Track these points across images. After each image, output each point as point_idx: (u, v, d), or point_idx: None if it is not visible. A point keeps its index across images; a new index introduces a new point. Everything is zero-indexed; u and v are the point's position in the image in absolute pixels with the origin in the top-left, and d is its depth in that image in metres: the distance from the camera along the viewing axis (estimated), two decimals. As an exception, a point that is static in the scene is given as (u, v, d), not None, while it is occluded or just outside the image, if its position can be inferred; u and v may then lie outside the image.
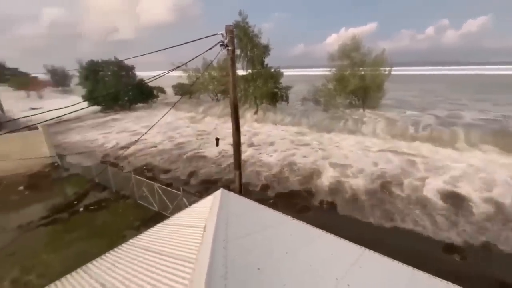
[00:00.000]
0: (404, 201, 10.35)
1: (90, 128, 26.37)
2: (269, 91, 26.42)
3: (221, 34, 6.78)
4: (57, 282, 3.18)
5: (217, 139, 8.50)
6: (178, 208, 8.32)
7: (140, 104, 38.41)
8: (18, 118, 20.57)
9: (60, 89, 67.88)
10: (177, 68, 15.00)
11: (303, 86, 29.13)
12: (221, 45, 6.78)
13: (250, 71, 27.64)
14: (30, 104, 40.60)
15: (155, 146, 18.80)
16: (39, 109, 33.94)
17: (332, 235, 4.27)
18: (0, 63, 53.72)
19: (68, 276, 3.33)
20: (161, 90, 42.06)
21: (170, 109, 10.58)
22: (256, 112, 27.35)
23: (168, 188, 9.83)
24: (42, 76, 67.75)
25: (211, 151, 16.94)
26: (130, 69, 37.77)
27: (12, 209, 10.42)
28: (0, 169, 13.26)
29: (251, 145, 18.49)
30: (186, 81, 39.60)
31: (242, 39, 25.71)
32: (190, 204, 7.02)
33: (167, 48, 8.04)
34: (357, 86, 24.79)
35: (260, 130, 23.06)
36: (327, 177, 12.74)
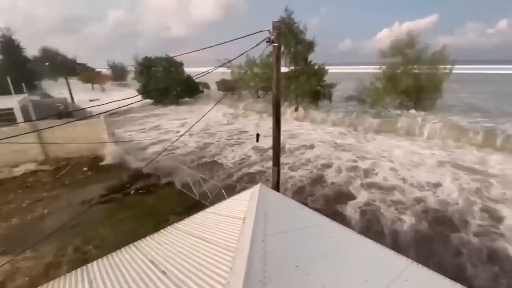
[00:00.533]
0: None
1: (144, 119, 28.85)
2: (311, 88, 25.79)
3: (268, 30, 6.83)
4: (113, 254, 3.57)
5: (258, 135, 8.61)
6: (217, 199, 8.66)
7: (186, 99, 40.65)
8: (84, 108, 23.43)
9: (118, 83, 75.33)
10: (223, 65, 15.53)
11: (348, 84, 27.70)
12: (267, 42, 6.82)
13: (292, 68, 27.29)
14: (92, 96, 45.86)
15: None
16: (95, 100, 38.24)
17: (375, 243, 4.03)
18: (72, 59, 61.46)
19: (122, 249, 3.72)
20: (206, 86, 43.98)
21: (216, 103, 11.07)
22: (296, 110, 26.94)
23: (209, 179, 10.31)
24: (105, 71, 75.84)
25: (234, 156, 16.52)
26: (179, 65, 40.09)
27: (77, 187, 11.97)
28: (69, 151, 15.38)
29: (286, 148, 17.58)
30: (229, 78, 40.75)
31: (286, 35, 25.47)
32: (228, 197, 7.27)
33: (214, 46, 8.38)
34: (409, 86, 22.77)
35: (299, 131, 22.28)
36: (360, 200, 10.64)
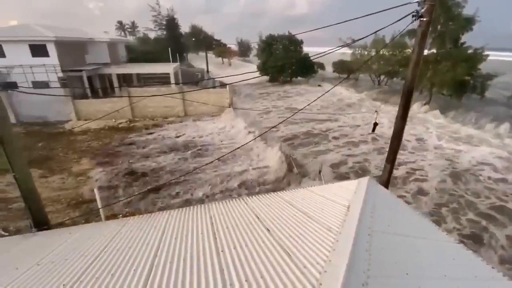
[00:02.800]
0: None
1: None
2: (456, 78, 20.43)
3: (417, 2, 5.72)
4: (227, 201, 4.22)
5: (375, 124, 7.76)
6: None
7: (299, 78, 40.83)
8: (215, 78, 27.44)
9: (242, 59, 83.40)
10: (348, 45, 14.39)
11: (518, 77, 20.35)
12: (413, 16, 5.76)
13: (434, 51, 22.28)
14: (223, 69, 52.82)
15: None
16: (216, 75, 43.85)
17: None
18: (211, 36, 72.21)
19: (230, 200, 4.34)
20: (321, 66, 42.58)
21: (335, 86, 10.59)
22: (428, 103, 22.35)
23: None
24: (233, 47, 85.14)
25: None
26: (299, 43, 40.12)
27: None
28: (202, 110, 19.23)
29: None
30: (349, 59, 37.75)
31: (436, 9, 20.68)
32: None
33: (341, 23, 7.76)
34: None
35: (424, 135, 17.50)
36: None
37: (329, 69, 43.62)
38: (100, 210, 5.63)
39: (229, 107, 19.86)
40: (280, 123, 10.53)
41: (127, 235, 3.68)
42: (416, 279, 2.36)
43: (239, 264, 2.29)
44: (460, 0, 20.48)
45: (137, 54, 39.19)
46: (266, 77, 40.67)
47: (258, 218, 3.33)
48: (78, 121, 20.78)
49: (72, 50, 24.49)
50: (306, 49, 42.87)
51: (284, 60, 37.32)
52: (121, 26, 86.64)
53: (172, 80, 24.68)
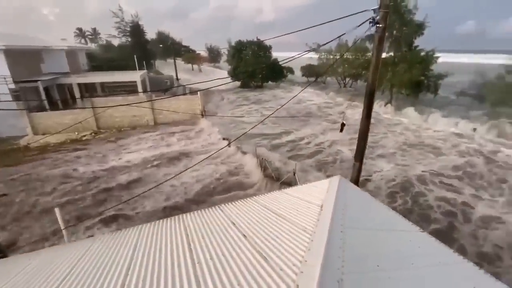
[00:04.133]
0: None
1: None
2: (412, 79, 22.25)
3: (373, 10, 6.14)
4: (202, 210, 4.12)
5: (343, 124, 8.12)
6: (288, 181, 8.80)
7: (270, 83, 41.56)
8: (185, 85, 26.90)
9: (213, 65, 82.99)
10: (314, 50, 15.00)
11: (465, 76, 22.64)
12: (370, 22, 6.17)
13: (391, 54, 24.04)
14: (193, 76, 52.09)
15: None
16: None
17: (477, 268, 3.34)
18: (179, 42, 71.04)
19: (206, 209, 4.25)
20: (290, 71, 43.77)
21: (303, 89, 10.89)
22: (390, 103, 23.97)
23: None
24: (203, 53, 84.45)
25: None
26: (268, 49, 40.93)
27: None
28: (173, 117, 18.76)
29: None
30: (316, 63, 39.31)
31: (390, 15, 22.38)
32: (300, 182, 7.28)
33: (307, 28, 8.07)
34: None
35: (388, 128, 19.72)
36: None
37: (298, 73, 45.07)
38: (63, 231, 5.19)
39: (202, 114, 19.57)
40: (251, 128, 10.60)
41: (95, 256, 3.43)
42: (386, 271, 2.48)
43: (216, 274, 2.24)
44: (411, 7, 22.45)
45: (100, 62, 37.24)
46: (237, 83, 40.87)
47: (234, 224, 3.29)
48: (36, 136, 19.10)
49: (25, 59, 22.56)
50: (275, 54, 43.89)
51: (254, 66, 37.82)
52: (81, 33, 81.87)
53: (140, 88, 23.76)
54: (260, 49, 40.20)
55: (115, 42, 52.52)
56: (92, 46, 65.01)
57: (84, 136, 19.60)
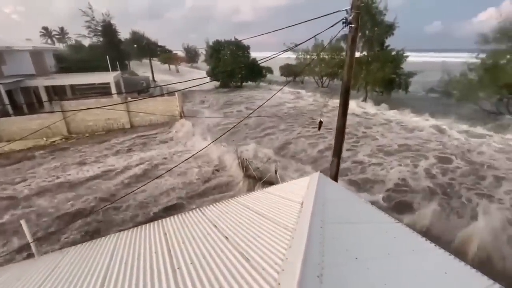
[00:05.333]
0: None
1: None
2: (385, 77, 23.33)
3: (345, 10, 6.33)
4: (182, 214, 4.03)
5: (320, 122, 8.31)
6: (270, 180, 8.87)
7: (249, 83, 41.56)
8: (162, 85, 26.22)
9: (190, 65, 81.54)
10: (290, 49, 15.23)
11: (432, 74, 24.03)
12: (343, 23, 6.35)
13: (365, 53, 25.00)
14: (170, 76, 50.83)
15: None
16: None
17: (448, 254, 3.56)
18: (154, 42, 69.01)
19: (187, 213, 4.17)
20: (269, 70, 44.06)
21: (282, 88, 10.99)
22: (365, 100, 24.92)
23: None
24: (180, 53, 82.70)
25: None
26: (246, 49, 40.89)
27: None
28: (151, 119, 18.14)
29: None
30: (294, 63, 39.89)
31: (362, 17, 23.25)
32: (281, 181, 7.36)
33: (283, 29, 8.16)
34: (517, 79, 18.49)
35: (363, 123, 20.66)
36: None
37: (277, 73, 45.49)
38: (32, 244, 4.84)
39: (180, 116, 19.11)
40: (230, 129, 10.54)
41: (68, 268, 3.24)
42: (364, 262, 2.57)
43: (197, 278, 2.20)
44: (381, 8, 23.49)
45: (69, 63, 35.17)
46: (217, 83, 40.48)
47: (216, 227, 3.26)
48: (-2, 143, 17.68)
49: (-17, 60, 20.82)
50: (253, 54, 44.01)
51: (233, 65, 37.65)
52: (47, 32, 77.01)
53: (114, 90, 22.75)
54: (239, 49, 40.06)
55: (86, 42, 49.93)
56: (60, 46, 61.36)
57: (54, 141, 18.47)
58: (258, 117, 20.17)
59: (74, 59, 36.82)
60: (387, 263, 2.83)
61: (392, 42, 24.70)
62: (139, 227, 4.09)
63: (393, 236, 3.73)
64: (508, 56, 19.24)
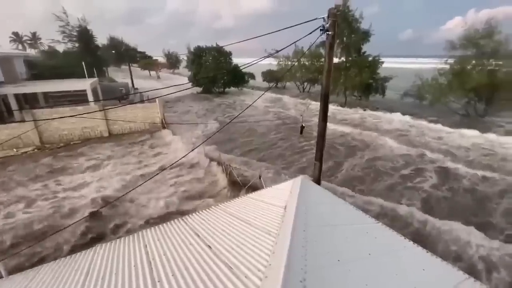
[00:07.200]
0: None
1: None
2: (362, 82, 24.25)
3: (323, 18, 6.53)
4: (164, 224, 3.92)
5: (302, 127, 8.45)
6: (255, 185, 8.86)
7: (232, 88, 41.55)
8: (142, 92, 25.59)
9: (172, 71, 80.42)
10: (271, 55, 15.44)
11: (406, 78, 25.27)
12: (321, 30, 6.54)
13: (343, 59, 25.89)
14: (151, 83, 49.78)
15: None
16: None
17: (426, 251, 3.71)
18: (134, 48, 67.57)
19: (171, 221, 4.06)
20: (252, 76, 44.35)
21: (264, 93, 11.08)
22: (344, 105, 25.69)
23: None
24: (161, 59, 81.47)
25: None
26: (228, 55, 40.98)
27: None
28: (130, 126, 17.60)
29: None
30: (276, 69, 40.46)
31: (339, 24, 24.16)
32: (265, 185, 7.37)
33: (264, 35, 8.29)
34: (482, 83, 19.85)
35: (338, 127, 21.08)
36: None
37: (259, 79, 45.90)
38: None
39: (162, 124, 18.65)
40: (210, 137, 10.49)
41: (40, 287, 3.03)
42: (347, 263, 2.61)
43: (179, 290, 2.13)
44: (357, 17, 24.54)
45: (42, 69, 33.46)
46: (198, 89, 40.16)
47: (199, 236, 3.19)
48: (-39, 156, 16.37)
49: None
50: (235, 60, 44.12)
51: (215, 71, 37.53)
52: (17, 37, 73.10)
53: (90, 97, 21.87)
54: (221, 55, 40.04)
55: (60, 48, 47.88)
56: (32, 52, 58.41)
57: (26, 152, 17.40)
58: (245, 123, 20.14)
59: (47, 66, 35.13)
60: (368, 263, 2.89)
61: (369, 49, 25.83)
62: (117, 240, 3.92)
63: (374, 237, 3.82)
64: (474, 62, 20.71)
